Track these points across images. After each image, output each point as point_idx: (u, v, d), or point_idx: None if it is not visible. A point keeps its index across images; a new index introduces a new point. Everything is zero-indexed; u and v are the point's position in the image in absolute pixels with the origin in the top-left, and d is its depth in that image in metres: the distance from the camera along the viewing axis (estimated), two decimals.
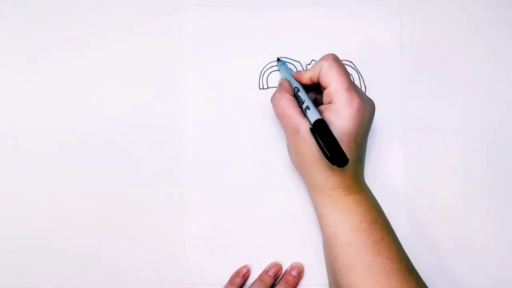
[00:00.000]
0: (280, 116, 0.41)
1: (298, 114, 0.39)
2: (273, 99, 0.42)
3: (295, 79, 0.43)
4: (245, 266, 0.45)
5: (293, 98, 0.41)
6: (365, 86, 0.46)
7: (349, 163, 0.36)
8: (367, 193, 0.41)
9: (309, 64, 0.46)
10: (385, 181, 0.46)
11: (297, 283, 0.45)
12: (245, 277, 0.45)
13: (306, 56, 0.47)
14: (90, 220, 0.46)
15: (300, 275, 0.45)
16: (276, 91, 0.42)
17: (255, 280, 0.45)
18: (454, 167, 0.46)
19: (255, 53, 0.47)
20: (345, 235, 0.39)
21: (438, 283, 0.45)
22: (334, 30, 0.46)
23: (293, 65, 0.46)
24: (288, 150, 0.42)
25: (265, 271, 0.45)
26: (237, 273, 0.45)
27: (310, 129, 0.38)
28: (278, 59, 0.46)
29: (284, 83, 0.43)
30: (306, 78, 0.42)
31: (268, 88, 0.47)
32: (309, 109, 0.39)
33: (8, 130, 0.46)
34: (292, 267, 0.45)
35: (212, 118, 0.46)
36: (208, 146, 0.46)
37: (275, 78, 0.47)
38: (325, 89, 0.40)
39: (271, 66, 0.47)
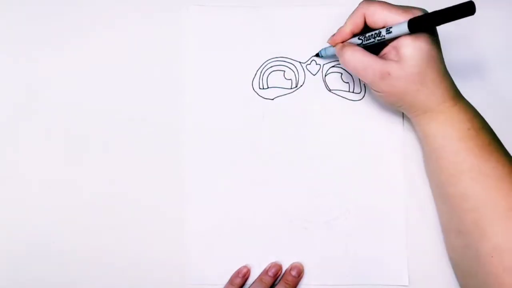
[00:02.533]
0: (362, 69, 0.40)
1: (378, 58, 0.39)
2: (345, 56, 0.40)
3: (336, 39, 0.42)
4: (245, 266, 0.45)
5: (362, 48, 0.40)
6: (365, 86, 0.46)
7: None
8: (466, 101, 0.41)
9: (309, 63, 0.46)
10: (385, 181, 0.45)
11: (297, 283, 0.45)
12: (245, 277, 0.45)
13: (306, 56, 0.47)
14: (90, 220, 0.46)
15: (300, 275, 0.45)
16: (342, 49, 0.41)
17: (255, 280, 0.45)
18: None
19: (255, 53, 0.47)
20: (454, 144, 0.39)
21: (440, 282, 0.45)
22: (334, 30, 0.46)
23: (293, 64, 0.46)
24: (383, 98, 0.41)
25: (265, 271, 0.45)
26: (237, 273, 0.45)
27: (418, 21, 0.37)
28: (317, 54, 0.46)
29: (343, 43, 0.42)
30: (348, 33, 0.41)
31: (268, 87, 0.46)
32: (390, 28, 0.38)
33: (7, 130, 0.46)
34: (292, 267, 0.45)
35: (212, 118, 0.46)
36: (208, 146, 0.46)
37: (275, 78, 0.47)
38: (377, 27, 0.40)
39: (271, 66, 0.47)
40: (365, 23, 0.40)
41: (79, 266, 0.45)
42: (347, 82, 0.46)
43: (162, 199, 0.46)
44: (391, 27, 0.38)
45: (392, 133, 0.46)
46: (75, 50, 0.47)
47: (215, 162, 0.46)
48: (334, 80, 0.46)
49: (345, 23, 0.42)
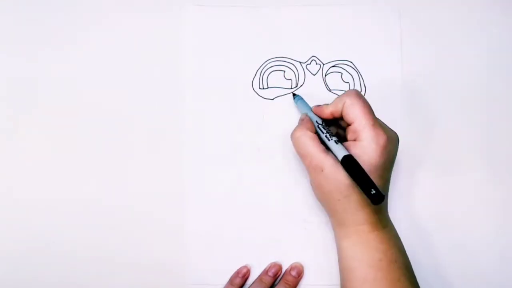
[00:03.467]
0: (302, 155, 0.40)
1: (321, 152, 0.39)
2: (293, 137, 0.41)
3: (314, 113, 0.42)
4: (245, 266, 0.45)
5: (314, 135, 0.40)
6: (365, 86, 0.46)
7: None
8: (391, 230, 0.40)
9: (309, 63, 0.46)
10: None
11: (297, 283, 0.45)
12: (245, 277, 0.45)
13: (305, 56, 0.47)
14: (90, 220, 0.46)
15: (299, 275, 0.45)
16: (296, 128, 0.41)
17: (255, 280, 0.45)
18: (454, 166, 0.46)
19: (255, 53, 0.47)
20: (362, 271, 0.38)
21: (440, 282, 0.45)
22: (334, 30, 0.46)
23: (293, 64, 0.46)
24: (312, 187, 0.41)
25: (265, 271, 0.45)
26: (237, 273, 0.45)
27: (342, 162, 0.37)
28: (294, 95, 0.46)
29: (304, 119, 0.42)
30: (327, 113, 0.41)
31: (268, 87, 0.46)
32: (337, 143, 0.38)
33: (7, 129, 0.46)
34: (291, 267, 0.45)
35: (212, 118, 0.46)
36: (208, 146, 0.46)
37: (275, 78, 0.47)
38: (349, 125, 0.40)
39: (271, 66, 0.47)
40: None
41: (79, 266, 0.46)
42: (347, 82, 0.46)
43: (162, 199, 0.46)
44: (337, 143, 0.38)
45: None
46: (75, 50, 0.47)
47: (215, 162, 0.46)
48: (334, 80, 0.46)
49: (329, 104, 0.41)
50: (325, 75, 0.47)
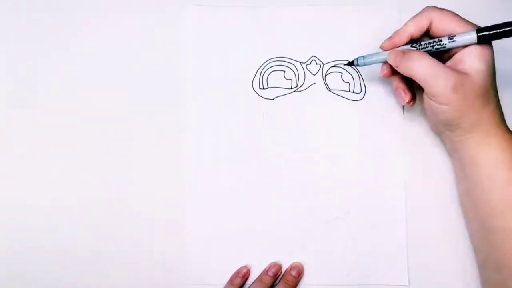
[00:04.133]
0: (431, 78, 0.37)
1: (450, 69, 0.37)
2: (412, 63, 0.37)
3: (392, 45, 0.39)
4: (245, 266, 0.45)
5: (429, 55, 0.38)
6: (365, 86, 0.46)
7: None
8: None
9: (309, 63, 0.46)
10: (385, 181, 0.45)
11: (297, 283, 0.45)
12: (245, 277, 0.45)
13: (305, 56, 0.47)
14: (90, 220, 0.46)
15: (300, 275, 0.45)
16: (407, 54, 0.38)
17: (255, 280, 0.45)
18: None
19: (255, 53, 0.47)
20: (504, 174, 0.37)
21: (440, 282, 0.45)
22: (334, 30, 0.46)
23: (293, 64, 0.46)
24: (440, 111, 0.38)
25: (265, 271, 0.45)
26: (237, 273, 0.45)
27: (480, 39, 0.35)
28: (351, 63, 0.44)
29: (399, 38, 0.39)
30: (406, 36, 0.39)
31: (268, 87, 0.46)
32: (454, 37, 0.36)
33: (7, 129, 0.46)
34: (291, 267, 0.45)
35: (212, 118, 0.46)
36: (208, 146, 0.46)
37: (275, 78, 0.47)
38: (439, 36, 0.38)
39: (271, 66, 0.47)
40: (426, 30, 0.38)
41: (79, 266, 0.45)
42: (347, 82, 0.46)
43: (162, 199, 0.46)
44: (454, 36, 0.37)
45: (392, 133, 0.46)
46: (74, 50, 0.47)
47: (215, 162, 0.46)
48: (334, 80, 0.46)
49: (406, 24, 0.39)
50: (325, 75, 0.47)
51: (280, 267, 0.45)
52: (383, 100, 0.46)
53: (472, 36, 0.36)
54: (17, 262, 0.46)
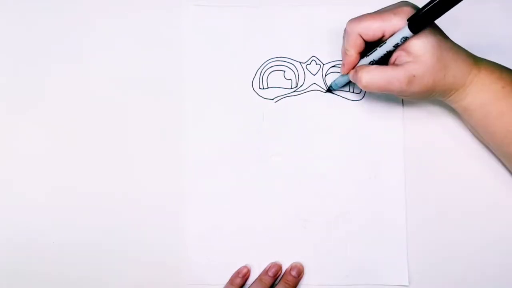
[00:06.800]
0: (385, 85, 0.39)
1: (396, 67, 0.39)
2: (364, 79, 0.39)
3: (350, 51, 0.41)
4: (245, 266, 0.45)
5: (376, 65, 0.40)
6: None
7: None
8: (487, 61, 0.41)
9: (309, 63, 0.46)
10: (385, 181, 0.45)
11: (297, 283, 0.45)
12: (245, 277, 0.45)
13: (305, 56, 0.47)
14: (90, 220, 0.46)
15: (300, 275, 0.45)
16: (358, 73, 0.40)
17: (255, 280, 0.44)
18: (454, 166, 0.46)
19: (255, 53, 0.47)
20: (495, 107, 0.40)
21: (440, 282, 0.45)
22: (334, 30, 0.46)
23: (293, 64, 0.46)
24: (413, 99, 0.43)
25: (265, 271, 0.45)
26: (237, 273, 0.45)
27: (414, 19, 0.37)
28: (329, 89, 0.46)
29: (349, 62, 0.41)
30: (354, 57, 0.40)
31: (268, 88, 0.47)
32: (384, 43, 0.38)
33: (7, 129, 0.46)
34: (292, 267, 0.45)
35: (212, 118, 0.46)
36: (208, 146, 0.46)
37: (275, 78, 0.47)
38: (376, 40, 0.39)
39: (271, 66, 0.47)
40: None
41: (78, 266, 0.45)
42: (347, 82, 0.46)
43: (162, 199, 0.46)
44: (387, 38, 0.38)
45: (392, 133, 0.46)
46: (75, 50, 0.47)
47: (215, 162, 0.46)
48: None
49: (345, 49, 0.40)
50: (325, 75, 0.47)
51: (280, 267, 0.45)
52: (383, 100, 0.46)
53: (406, 32, 0.37)
54: (17, 260, 0.46)
